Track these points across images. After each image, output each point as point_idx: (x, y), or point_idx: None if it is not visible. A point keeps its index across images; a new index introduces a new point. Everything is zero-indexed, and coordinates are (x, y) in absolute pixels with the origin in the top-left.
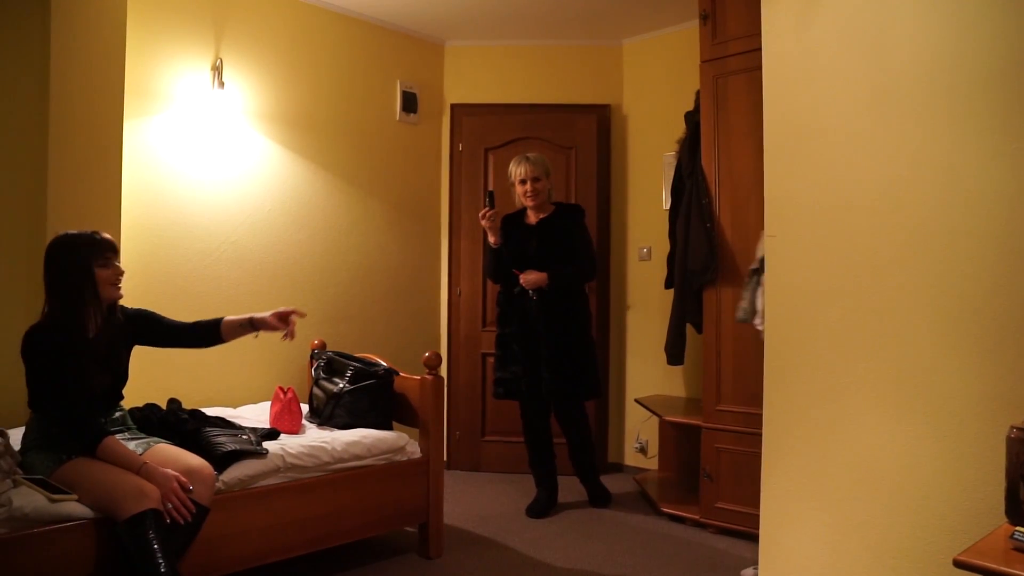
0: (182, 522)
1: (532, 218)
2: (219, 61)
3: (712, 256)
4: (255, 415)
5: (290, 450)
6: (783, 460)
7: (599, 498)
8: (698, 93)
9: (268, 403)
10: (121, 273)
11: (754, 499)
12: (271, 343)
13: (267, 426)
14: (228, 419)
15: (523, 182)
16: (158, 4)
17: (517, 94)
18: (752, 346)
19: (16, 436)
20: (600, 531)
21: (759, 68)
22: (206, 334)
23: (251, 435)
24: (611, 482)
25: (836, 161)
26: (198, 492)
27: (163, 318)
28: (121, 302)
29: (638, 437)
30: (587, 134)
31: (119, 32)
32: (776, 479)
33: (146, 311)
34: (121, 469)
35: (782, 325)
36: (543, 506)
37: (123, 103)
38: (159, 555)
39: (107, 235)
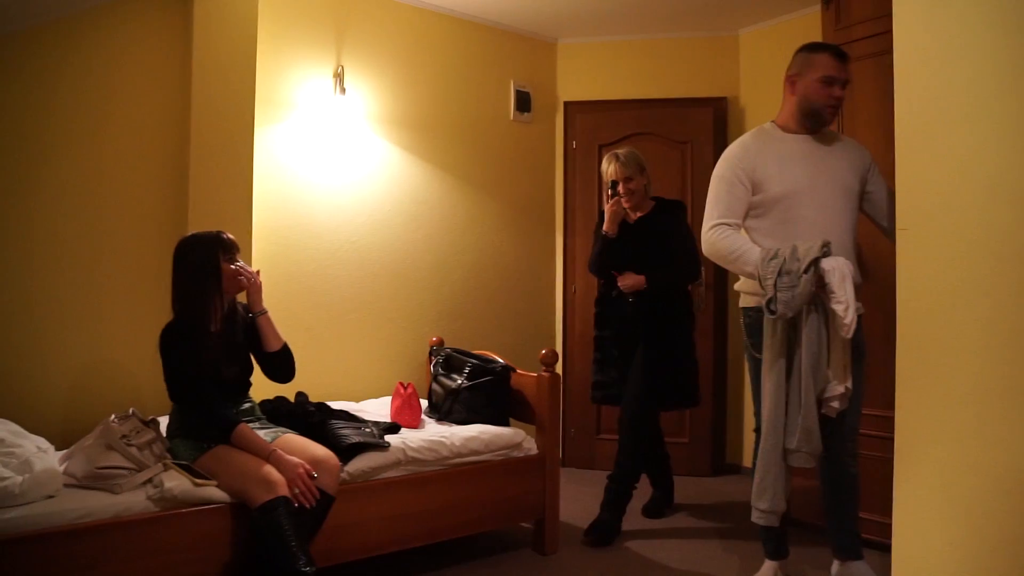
0: (308, 507)
1: (630, 217)
2: (340, 68)
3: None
4: (376, 409)
5: (411, 444)
6: (918, 467)
7: (607, 531)
8: None
9: (389, 398)
10: (239, 267)
11: (886, 507)
12: (392, 340)
13: (388, 420)
14: (352, 412)
15: (615, 184)
16: (283, 17)
17: (630, 90)
18: (882, 346)
19: (164, 424)
20: (716, 532)
21: (888, 52)
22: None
23: (374, 428)
24: (729, 483)
25: (977, 149)
26: (324, 481)
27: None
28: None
29: (755, 438)
30: (703, 128)
31: (251, 45)
32: (910, 488)
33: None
34: (254, 459)
35: (916, 324)
36: (659, 505)
37: (254, 112)
38: (291, 539)
39: (230, 235)
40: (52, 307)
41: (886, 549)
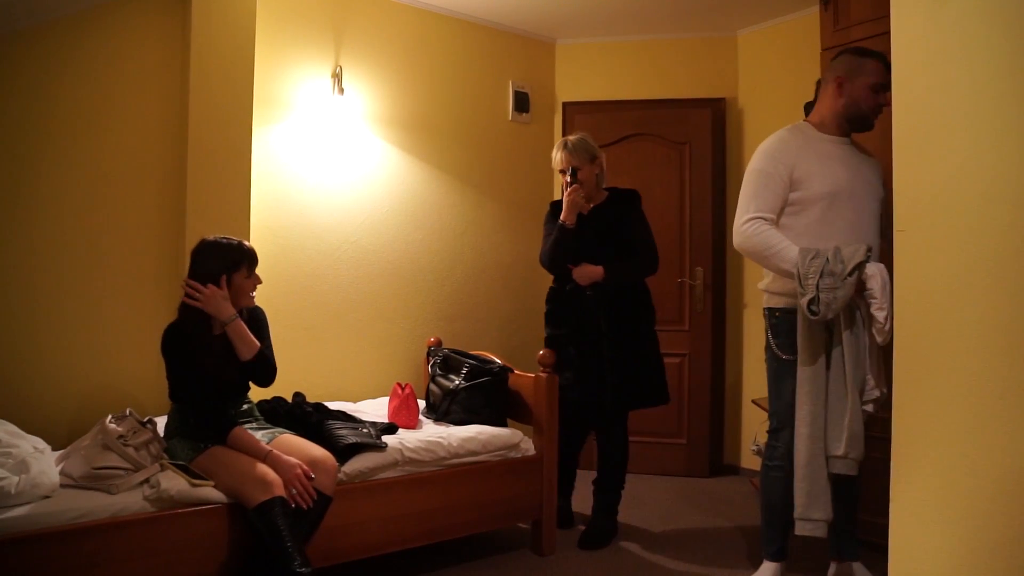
0: (305, 507)
1: (584, 207)
2: (339, 68)
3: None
4: (374, 410)
5: (408, 444)
6: (915, 468)
7: (599, 534)
8: (819, 82)
9: (386, 398)
10: (258, 283)
11: (883, 508)
12: (390, 340)
13: (386, 420)
14: (349, 413)
15: (563, 172)
16: (282, 17)
17: (629, 90)
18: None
19: (161, 424)
20: (716, 535)
21: (887, 53)
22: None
23: (371, 429)
24: (727, 484)
25: (975, 149)
26: (321, 482)
27: (264, 330)
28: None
29: (755, 439)
30: (701, 129)
31: (249, 45)
32: (907, 489)
33: (260, 314)
34: (251, 460)
35: (914, 325)
36: (568, 516)
37: (252, 112)
38: (287, 539)
39: (250, 245)
40: (50, 308)
41: (883, 550)
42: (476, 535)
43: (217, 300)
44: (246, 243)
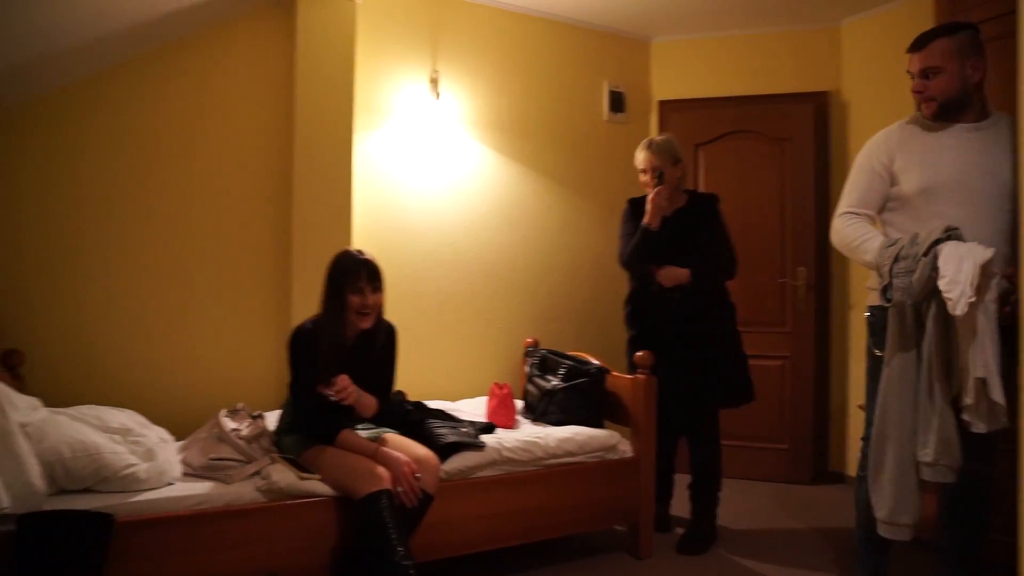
0: (410, 505)
1: (667, 210)
2: (436, 73)
3: None
4: (472, 409)
5: (506, 444)
6: None
7: (697, 539)
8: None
9: (485, 398)
10: (369, 304)
11: (1008, 527)
12: (488, 341)
13: (484, 420)
14: (448, 412)
15: (645, 172)
16: (380, 26)
17: (726, 87)
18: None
19: (273, 419)
20: (822, 545)
21: (1010, 35)
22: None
23: (470, 428)
24: (830, 492)
25: None
26: (425, 480)
27: (390, 364)
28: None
29: (862, 446)
30: (802, 124)
31: (350, 54)
32: None
33: (391, 346)
34: (358, 457)
35: None
36: (663, 521)
37: (353, 119)
38: (392, 531)
39: (369, 258)
40: (170, 309)
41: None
42: (573, 536)
43: (350, 395)
44: (364, 255)
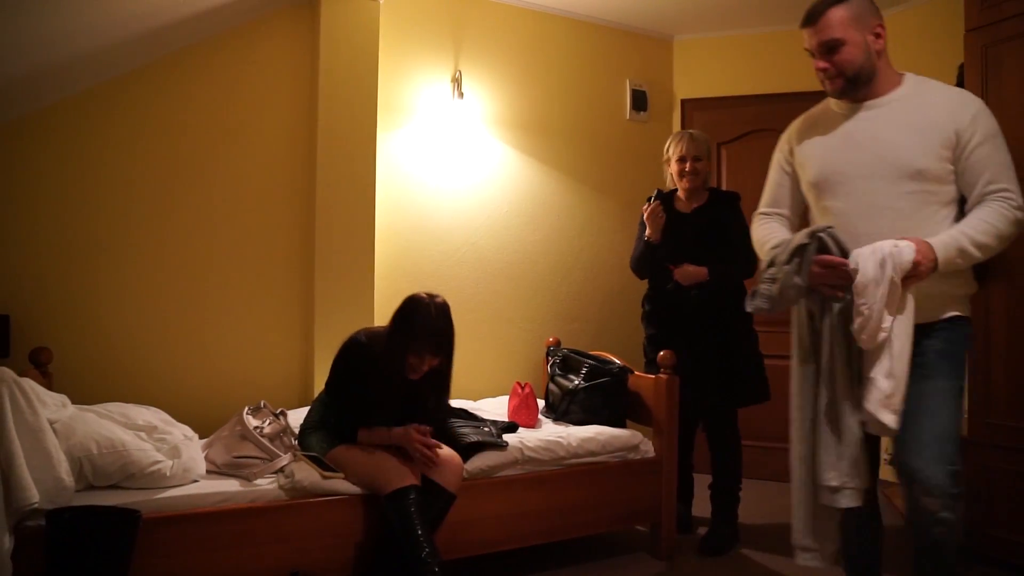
0: (436, 458)
1: (685, 206)
2: (458, 73)
3: None
4: (494, 408)
5: (528, 443)
6: None
7: (719, 540)
8: (961, 67)
9: (506, 397)
10: (424, 368)
11: (1015, 525)
12: (509, 340)
13: (506, 419)
14: (470, 411)
15: (682, 160)
16: (403, 26)
17: (750, 85)
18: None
19: (295, 417)
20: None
21: None
22: None
23: (492, 428)
24: None
25: None
26: (447, 480)
27: (442, 397)
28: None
29: (887, 448)
30: None
31: (373, 54)
32: None
33: (445, 383)
34: (383, 451)
35: None
36: (685, 521)
37: (376, 118)
38: (419, 528)
39: (444, 326)
40: (193, 308)
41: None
42: (594, 536)
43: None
44: (436, 319)
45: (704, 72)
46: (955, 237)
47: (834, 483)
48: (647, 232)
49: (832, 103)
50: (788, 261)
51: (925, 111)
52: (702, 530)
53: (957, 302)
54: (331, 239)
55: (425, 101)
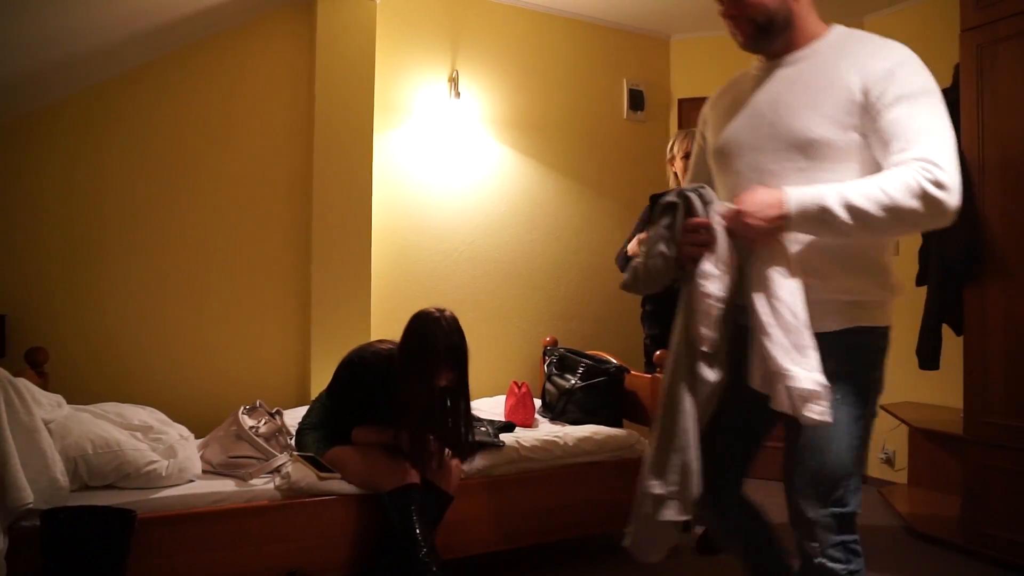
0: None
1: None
2: (455, 73)
3: (975, 249)
4: (490, 408)
5: (524, 443)
6: None
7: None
8: (957, 67)
9: (503, 397)
10: (443, 384)
11: (1013, 524)
12: (506, 339)
13: (503, 419)
14: None
15: (687, 157)
16: (400, 25)
17: None
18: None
19: (291, 417)
20: None
21: None
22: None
23: (488, 427)
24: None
25: None
26: (446, 481)
27: (461, 406)
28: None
29: (884, 447)
30: None
31: (370, 54)
32: None
33: (462, 392)
34: (382, 451)
35: None
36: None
37: (373, 118)
38: (418, 527)
39: (456, 342)
40: (189, 308)
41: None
42: (591, 535)
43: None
44: (448, 335)
45: (701, 72)
46: (822, 191)
47: (657, 491)
48: (630, 248)
49: (753, 64)
50: (656, 226)
51: (833, 68)
52: (699, 529)
53: (858, 311)
54: (328, 239)
55: (422, 101)
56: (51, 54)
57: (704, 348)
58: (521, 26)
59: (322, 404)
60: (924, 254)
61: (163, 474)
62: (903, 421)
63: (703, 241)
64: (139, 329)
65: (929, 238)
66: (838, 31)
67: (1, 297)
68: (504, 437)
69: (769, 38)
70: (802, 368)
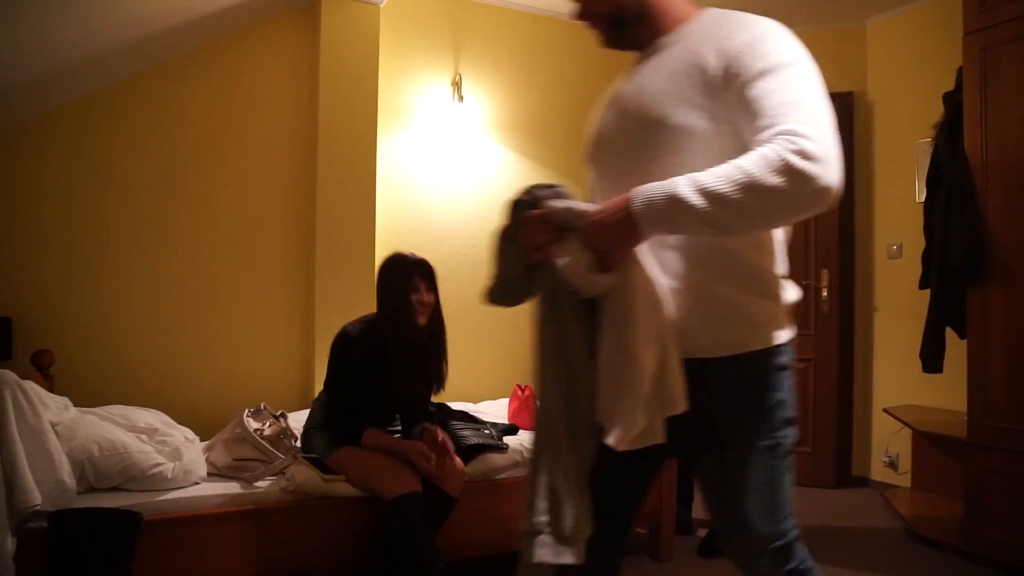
0: (443, 472)
1: None
2: (458, 77)
3: (978, 252)
4: (494, 411)
5: (528, 446)
6: None
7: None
8: (960, 70)
9: (507, 400)
10: (424, 301)
11: (1010, 526)
12: (510, 343)
13: (506, 422)
14: (470, 414)
15: None
16: (403, 30)
17: None
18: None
19: (295, 419)
20: (843, 551)
21: None
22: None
23: (492, 430)
24: (854, 496)
25: None
26: (450, 484)
27: (443, 358)
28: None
29: (887, 450)
30: None
31: (373, 59)
32: None
33: (441, 339)
34: (385, 456)
35: None
36: (687, 522)
37: (376, 122)
38: (421, 533)
39: (422, 259)
40: (194, 311)
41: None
42: None
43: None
44: (412, 256)
45: None
46: (672, 180)
47: (526, 526)
48: None
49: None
50: (505, 228)
51: (695, 50)
52: (702, 532)
53: (743, 332)
54: (332, 242)
55: (425, 105)
56: (54, 60)
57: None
58: (524, 30)
59: (323, 403)
60: (926, 257)
61: (168, 476)
62: (907, 424)
63: (542, 239)
64: (144, 332)
65: (930, 241)
66: (708, 13)
67: (7, 300)
68: (508, 440)
69: (627, 31)
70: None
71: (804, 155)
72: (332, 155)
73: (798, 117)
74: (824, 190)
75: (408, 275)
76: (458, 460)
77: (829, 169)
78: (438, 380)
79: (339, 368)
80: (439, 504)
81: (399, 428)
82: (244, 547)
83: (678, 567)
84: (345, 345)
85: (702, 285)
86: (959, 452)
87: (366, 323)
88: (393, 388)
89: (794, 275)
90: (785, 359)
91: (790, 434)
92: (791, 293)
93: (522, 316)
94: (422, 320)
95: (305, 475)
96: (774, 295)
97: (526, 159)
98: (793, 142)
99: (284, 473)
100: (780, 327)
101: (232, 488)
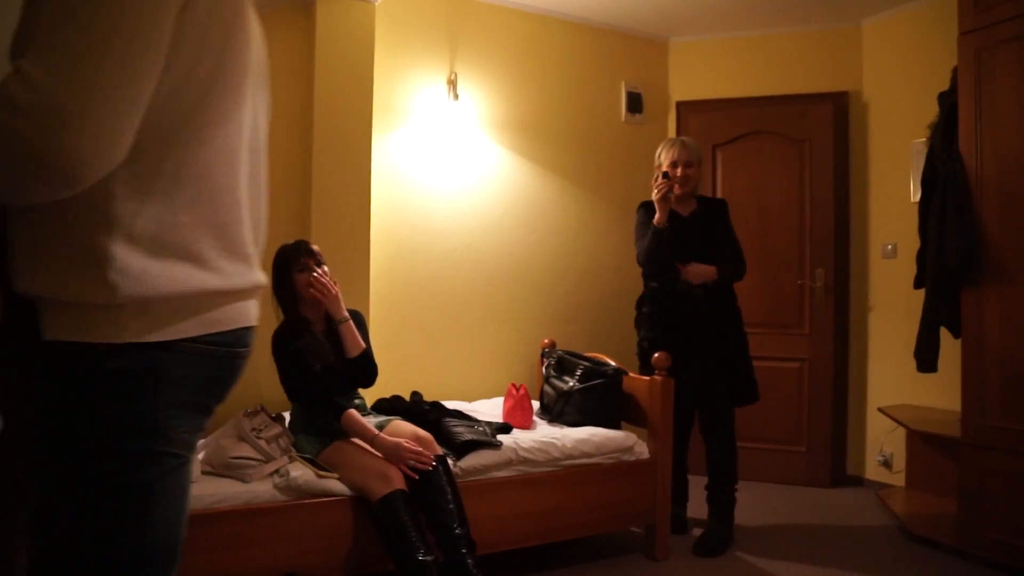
0: (429, 468)
1: (682, 209)
2: (454, 75)
3: (973, 251)
4: (489, 410)
5: (522, 444)
6: None
7: (714, 541)
8: (955, 70)
9: (501, 399)
10: (311, 268)
11: (1006, 526)
12: (505, 342)
13: (501, 420)
14: (465, 412)
15: (674, 166)
16: (399, 28)
17: (745, 87)
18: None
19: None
20: (838, 550)
21: None
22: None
23: (487, 428)
24: (848, 496)
25: None
26: (427, 455)
27: (365, 333)
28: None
29: (881, 450)
30: (822, 125)
31: (368, 56)
32: None
33: (361, 318)
34: (371, 455)
35: None
36: (682, 523)
37: (372, 120)
38: (411, 530)
39: (306, 242)
40: None
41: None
42: (588, 537)
43: (335, 298)
44: (305, 243)
45: (699, 74)
46: None
47: None
48: (656, 218)
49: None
50: None
51: None
52: (697, 531)
53: (59, 315)
54: (327, 240)
55: (421, 103)
56: None
57: None
58: (520, 28)
59: (292, 409)
60: (921, 256)
61: None
62: (901, 424)
63: None
64: None
65: (925, 241)
66: None
67: None
68: (502, 438)
69: None
70: None
71: (9, 103)
72: (327, 153)
73: (40, 44)
74: (46, 161)
75: (292, 258)
76: (420, 432)
77: (39, 125)
78: (365, 372)
79: (283, 368)
80: (435, 473)
81: (362, 403)
82: (239, 546)
83: (673, 566)
84: (278, 346)
85: (22, 250)
86: (954, 451)
87: (282, 321)
88: (328, 367)
89: (789, 275)
90: (153, 367)
91: (147, 478)
92: (125, 285)
93: (517, 315)
94: (316, 294)
95: (300, 472)
96: (97, 280)
97: (522, 157)
98: (6, 84)
99: (279, 472)
100: (108, 323)
101: (227, 487)
